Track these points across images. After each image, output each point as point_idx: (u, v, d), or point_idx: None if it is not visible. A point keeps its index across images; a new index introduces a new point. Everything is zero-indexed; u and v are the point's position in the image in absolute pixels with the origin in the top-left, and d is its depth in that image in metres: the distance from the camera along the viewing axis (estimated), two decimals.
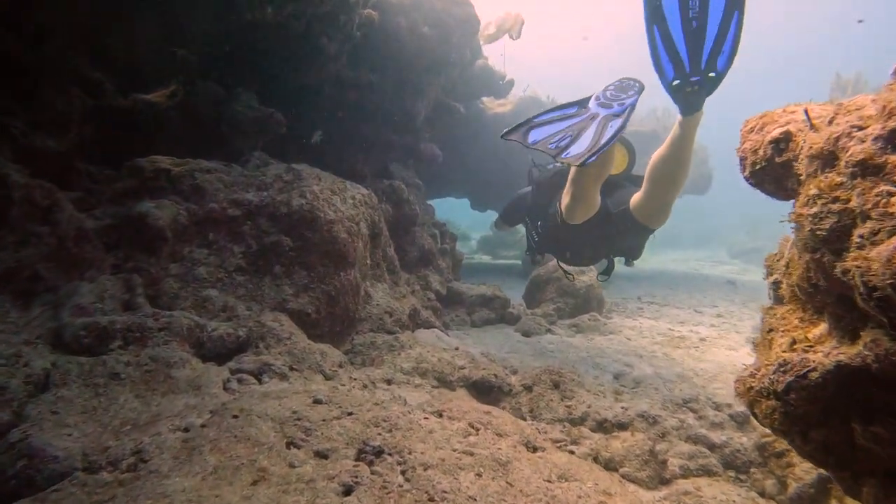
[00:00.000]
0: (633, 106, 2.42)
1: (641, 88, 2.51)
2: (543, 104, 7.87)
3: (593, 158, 2.26)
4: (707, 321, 5.68)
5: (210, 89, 3.24)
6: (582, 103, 2.48)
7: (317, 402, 1.94)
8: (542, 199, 3.65)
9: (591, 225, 3.11)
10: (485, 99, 7.37)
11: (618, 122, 2.31)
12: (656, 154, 2.71)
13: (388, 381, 2.80)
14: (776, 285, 1.68)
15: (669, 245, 26.02)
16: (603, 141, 2.28)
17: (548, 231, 3.54)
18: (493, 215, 13.77)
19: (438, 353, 3.28)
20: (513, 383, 3.02)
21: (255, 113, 3.31)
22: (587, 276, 5.18)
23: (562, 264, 4.14)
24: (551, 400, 2.81)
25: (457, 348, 3.63)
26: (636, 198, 2.93)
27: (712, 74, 2.27)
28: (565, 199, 2.98)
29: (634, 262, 3.72)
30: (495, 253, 15.73)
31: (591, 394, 2.90)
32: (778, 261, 1.69)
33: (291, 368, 2.39)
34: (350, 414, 1.86)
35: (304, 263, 2.94)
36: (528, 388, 2.94)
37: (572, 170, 2.87)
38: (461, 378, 3.05)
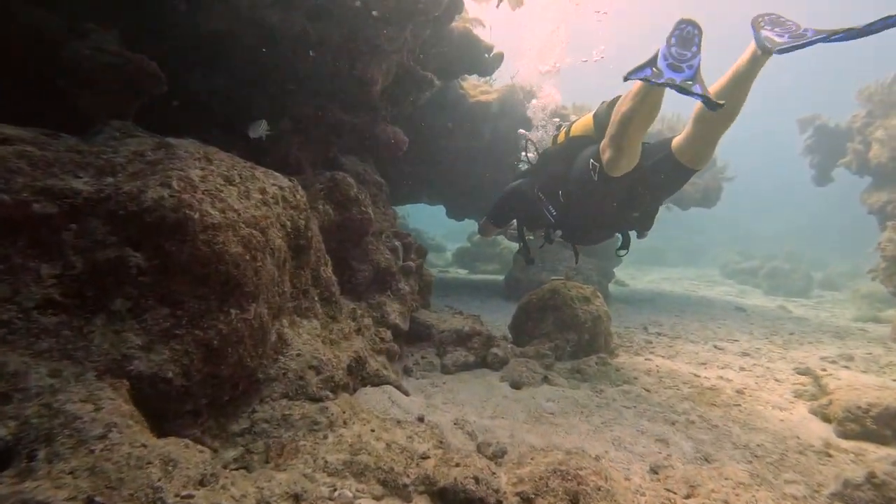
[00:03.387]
0: (699, 65, 2.45)
1: (701, 34, 2.49)
2: (535, 96, 6.97)
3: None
4: (733, 362, 4.81)
5: (36, 18, 2.15)
6: (652, 63, 2.49)
7: None
8: (559, 166, 3.75)
9: (623, 183, 3.23)
10: (464, 84, 6.41)
11: (698, 88, 2.35)
12: (712, 90, 2.72)
13: (296, 498, 1.74)
14: None
15: (656, 262, 25.68)
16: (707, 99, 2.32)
17: (572, 197, 3.60)
18: (471, 224, 12.79)
19: (389, 433, 2.24)
20: (503, 489, 2.00)
21: (109, 59, 2.23)
22: (594, 304, 4.22)
23: (575, 247, 4.31)
24: None
25: (421, 419, 2.59)
26: (679, 141, 3.05)
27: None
28: (608, 151, 3.05)
29: (647, 234, 3.81)
30: (473, 267, 14.80)
31: None
32: None
33: None
34: None
35: (165, 295, 1.86)
36: (528, 502, 1.92)
37: (617, 120, 2.93)
38: (421, 479, 2.01)
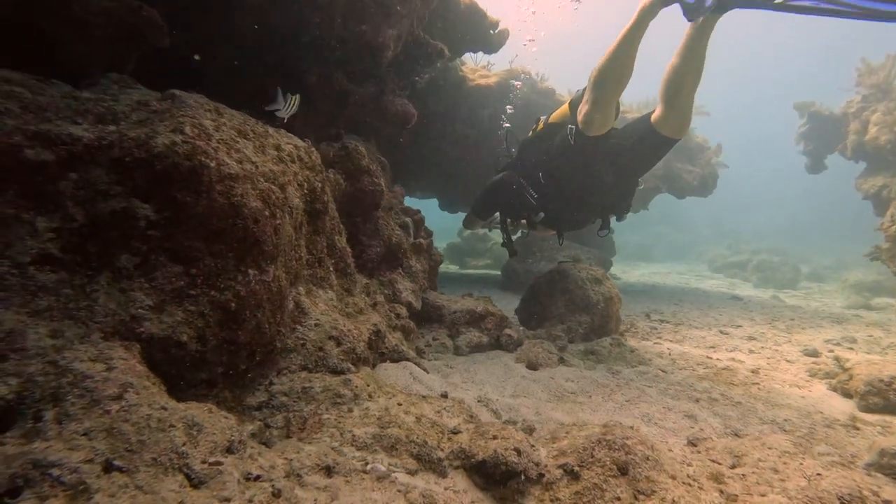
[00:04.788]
0: None
1: None
2: (532, 81, 6.88)
3: None
4: (741, 345, 4.78)
5: None
6: None
7: None
8: (535, 150, 3.95)
9: (603, 160, 3.42)
10: (464, 68, 6.29)
11: None
12: (671, 65, 2.99)
13: (328, 470, 1.60)
14: None
15: (643, 258, 25.95)
16: None
17: (552, 176, 3.72)
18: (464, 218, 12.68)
19: (417, 407, 2.11)
20: (544, 462, 1.87)
21: (105, 1, 2.05)
22: (606, 285, 4.14)
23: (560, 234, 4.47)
24: (618, 498, 1.68)
25: (445, 395, 2.46)
26: (657, 115, 3.23)
27: None
28: (584, 107, 3.23)
29: (625, 217, 3.97)
30: (464, 263, 14.71)
31: (677, 482, 1.79)
32: None
33: (108, 468, 1.14)
34: None
35: (177, 251, 1.69)
36: (573, 474, 1.80)
37: (593, 78, 3.13)
38: (456, 453, 1.88)
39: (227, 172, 1.75)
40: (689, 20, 2.74)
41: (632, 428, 2.27)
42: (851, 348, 5.00)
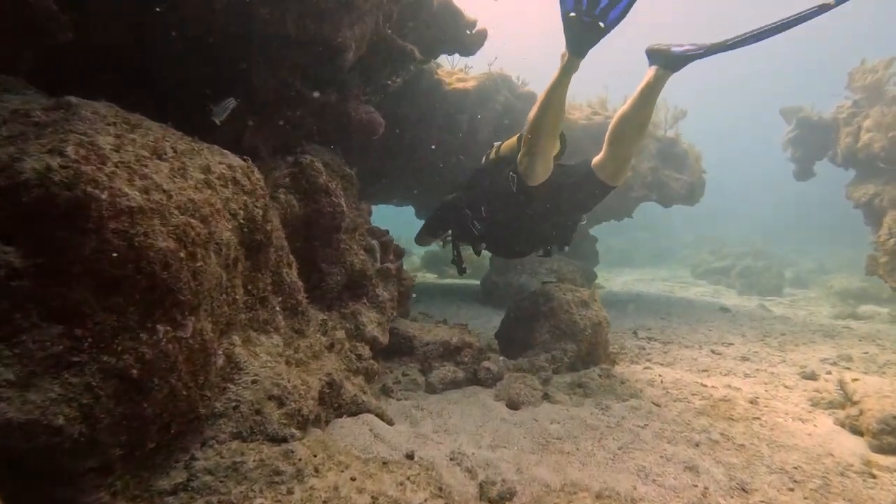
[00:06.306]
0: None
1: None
2: (513, 85, 6.61)
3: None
4: (736, 368, 4.56)
5: None
6: None
7: None
8: (485, 182, 4.05)
9: (542, 197, 3.49)
10: (440, 71, 5.99)
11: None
12: (620, 113, 3.19)
13: None
14: None
15: (625, 264, 25.96)
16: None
17: (494, 212, 3.82)
18: None
19: (374, 481, 1.77)
20: None
21: None
22: (593, 308, 3.85)
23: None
24: None
25: (411, 455, 2.12)
26: (598, 161, 3.37)
27: (601, 24, 2.69)
28: (524, 159, 3.34)
29: (567, 248, 4.06)
30: (442, 271, 14.36)
31: None
32: None
33: None
34: None
35: (55, 307, 1.33)
36: None
37: (527, 127, 3.24)
38: None
39: (126, 206, 1.39)
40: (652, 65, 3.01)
41: (631, 502, 1.97)
42: (848, 367, 4.83)
